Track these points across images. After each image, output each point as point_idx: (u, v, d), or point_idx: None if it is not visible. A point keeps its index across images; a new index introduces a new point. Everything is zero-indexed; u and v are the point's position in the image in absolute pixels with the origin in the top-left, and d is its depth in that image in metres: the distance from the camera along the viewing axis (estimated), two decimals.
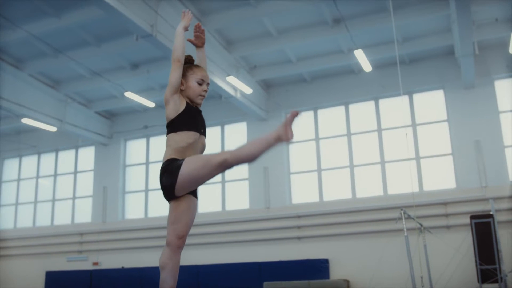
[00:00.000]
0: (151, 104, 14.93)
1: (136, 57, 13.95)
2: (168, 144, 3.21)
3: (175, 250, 3.20)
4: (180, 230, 3.19)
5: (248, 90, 13.68)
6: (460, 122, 13.53)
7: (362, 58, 12.23)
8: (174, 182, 3.04)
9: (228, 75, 12.92)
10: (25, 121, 14.88)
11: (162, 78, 14.89)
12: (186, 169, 3.00)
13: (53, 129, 15.54)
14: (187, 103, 3.27)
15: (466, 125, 13.42)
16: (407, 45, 13.28)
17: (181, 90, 3.29)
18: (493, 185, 12.75)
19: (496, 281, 9.96)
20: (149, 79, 14.67)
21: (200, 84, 3.33)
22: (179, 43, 3.34)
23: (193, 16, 11.75)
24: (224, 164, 2.91)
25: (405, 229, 7.90)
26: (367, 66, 12.73)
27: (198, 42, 3.67)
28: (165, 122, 12.61)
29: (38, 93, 14.94)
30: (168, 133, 3.24)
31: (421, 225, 9.94)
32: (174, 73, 3.25)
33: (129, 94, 14.08)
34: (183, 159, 3.05)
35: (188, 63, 3.45)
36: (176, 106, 3.22)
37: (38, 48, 13.07)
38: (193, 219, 3.28)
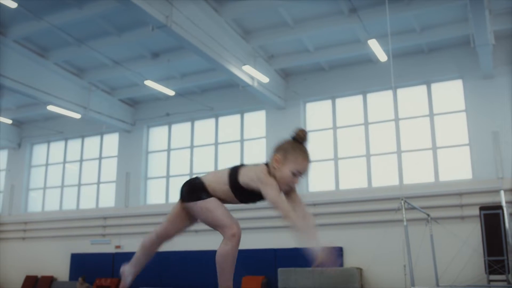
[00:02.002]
0: (171, 92, 15.25)
1: (156, 46, 14.23)
2: (216, 173, 3.10)
3: (159, 241, 3.38)
4: (170, 230, 3.31)
5: (264, 79, 13.84)
6: (478, 113, 13.41)
7: (376, 48, 12.23)
8: (185, 201, 3.08)
9: (244, 65, 13.08)
10: (51, 108, 15.40)
11: (182, 67, 15.22)
12: (201, 207, 2.99)
13: (77, 116, 16.03)
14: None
15: (484, 116, 13.30)
16: (426, 35, 13.22)
17: (274, 168, 2.92)
18: (510, 176, 12.64)
19: (503, 272, 9.96)
20: (169, 68, 14.97)
21: (294, 175, 2.92)
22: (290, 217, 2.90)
23: (211, 7, 12.06)
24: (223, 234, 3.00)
25: (404, 219, 8.00)
26: (382, 56, 12.72)
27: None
28: (186, 110, 12.77)
29: (63, 81, 15.46)
30: (232, 180, 3.01)
31: (428, 215, 9.98)
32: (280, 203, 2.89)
33: (149, 83, 14.42)
34: (209, 196, 3.02)
35: (300, 141, 2.98)
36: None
37: (63, 37, 13.47)
38: (186, 228, 3.36)
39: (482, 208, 11.10)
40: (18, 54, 13.95)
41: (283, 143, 2.97)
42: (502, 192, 10.97)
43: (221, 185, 3.03)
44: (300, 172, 2.93)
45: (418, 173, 13.86)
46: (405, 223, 8.08)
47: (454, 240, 11.91)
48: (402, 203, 8.09)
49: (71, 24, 12.70)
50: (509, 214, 11.45)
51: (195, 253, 15.49)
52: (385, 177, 14.23)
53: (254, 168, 2.99)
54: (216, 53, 12.36)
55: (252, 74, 13.55)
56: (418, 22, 12.82)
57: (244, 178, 2.96)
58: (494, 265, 10.09)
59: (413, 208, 9.00)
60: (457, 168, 13.52)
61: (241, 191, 3.02)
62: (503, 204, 10.73)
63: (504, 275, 10.03)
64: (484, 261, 10.54)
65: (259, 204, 12.14)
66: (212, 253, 12.96)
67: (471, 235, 11.93)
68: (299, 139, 2.96)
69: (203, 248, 15.44)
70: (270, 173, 2.93)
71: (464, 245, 11.77)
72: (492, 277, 10.42)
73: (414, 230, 11.81)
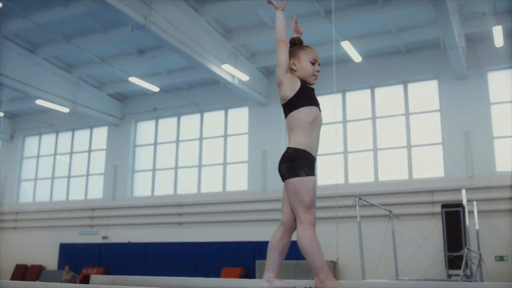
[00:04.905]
0: (155, 89, 15.70)
1: (142, 43, 14.62)
2: (294, 124, 3.13)
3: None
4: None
5: (244, 77, 14.25)
6: (452, 112, 13.83)
7: (350, 49, 12.62)
8: (284, 179, 3.09)
9: (223, 63, 13.49)
10: (39, 102, 15.86)
11: (167, 64, 15.66)
12: (294, 184, 3.01)
13: (66, 110, 16.49)
14: (301, 81, 3.23)
15: (457, 116, 13.71)
16: (401, 36, 13.58)
17: (294, 71, 3.25)
18: (480, 175, 13.08)
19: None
20: (155, 65, 15.41)
21: (313, 64, 3.25)
22: (279, 25, 3.28)
23: (191, 7, 12.47)
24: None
25: (358, 216, 8.43)
26: (356, 57, 13.10)
27: (299, 30, 3.59)
28: (173, 105, 13.36)
29: (53, 76, 15.92)
30: (288, 112, 3.17)
31: (390, 212, 10.42)
32: (281, 53, 3.21)
33: (133, 79, 14.85)
34: (305, 171, 3.01)
35: (298, 44, 3.37)
36: (292, 84, 3.17)
37: (51, 34, 13.87)
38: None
39: (444, 205, 11.54)
40: (8, 50, 14.37)
41: (289, 52, 3.27)
42: (463, 191, 11.38)
43: (304, 115, 3.18)
44: (315, 59, 3.27)
45: (393, 170, 14.30)
46: (358, 219, 8.53)
47: (421, 236, 12.37)
48: (356, 200, 8.53)
49: (57, 21, 13.12)
50: (478, 211, 11.89)
51: (179, 244, 16.03)
52: (361, 174, 14.68)
53: None
54: (196, 52, 12.77)
55: (232, 72, 13.97)
56: (394, 24, 13.19)
57: (286, 91, 3.19)
58: (454, 261, 10.52)
59: (367, 205, 9.43)
60: (430, 166, 13.95)
61: (304, 95, 3.22)
62: (464, 202, 11.15)
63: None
64: (444, 256, 11.00)
65: (239, 197, 12.77)
66: (195, 244, 13.49)
67: (436, 231, 12.38)
68: (298, 43, 3.36)
69: (187, 239, 16.02)
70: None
71: (428, 241, 12.23)
72: (452, 271, 10.87)
73: (384, 225, 12.29)
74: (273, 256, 3.14)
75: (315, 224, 3.01)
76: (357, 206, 8.58)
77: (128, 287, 4.03)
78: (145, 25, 11.17)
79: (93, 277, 5.79)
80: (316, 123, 3.14)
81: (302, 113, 3.12)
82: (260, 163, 15.73)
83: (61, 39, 14.06)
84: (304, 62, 3.26)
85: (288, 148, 3.11)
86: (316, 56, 3.29)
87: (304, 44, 3.40)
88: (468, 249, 9.20)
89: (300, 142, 3.09)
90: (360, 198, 8.65)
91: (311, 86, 3.30)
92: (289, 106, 3.17)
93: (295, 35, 3.50)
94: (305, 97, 3.18)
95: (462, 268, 9.07)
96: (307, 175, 3.02)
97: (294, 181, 3.01)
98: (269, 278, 3.11)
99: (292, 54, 3.28)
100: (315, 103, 3.20)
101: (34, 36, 14.42)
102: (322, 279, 2.92)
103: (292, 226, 3.16)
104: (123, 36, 13.92)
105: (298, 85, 3.20)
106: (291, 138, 3.13)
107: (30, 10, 12.63)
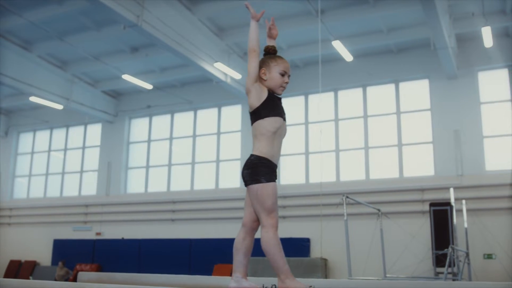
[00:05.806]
0: (148, 86, 15.80)
1: (135, 41, 14.67)
2: (258, 132, 3.25)
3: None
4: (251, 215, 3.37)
5: (237, 75, 14.36)
6: (442, 112, 13.96)
7: (341, 48, 12.74)
8: (246, 184, 3.25)
9: (216, 62, 13.59)
10: (33, 99, 15.96)
11: (161, 61, 15.72)
12: (255, 190, 3.16)
13: (59, 106, 16.58)
14: (268, 91, 3.30)
15: (447, 115, 13.85)
16: (392, 35, 13.69)
17: (264, 80, 3.32)
18: (469, 174, 13.24)
19: (449, 265, 10.53)
20: (148, 62, 15.49)
21: (282, 75, 3.32)
22: (252, 34, 3.37)
23: (184, 6, 12.56)
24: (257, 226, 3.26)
25: (345, 214, 8.55)
26: (347, 56, 13.22)
27: (273, 33, 3.66)
28: (167, 103, 13.58)
29: (47, 73, 15.97)
30: (254, 121, 3.28)
31: (379, 210, 10.56)
32: (252, 63, 3.29)
33: (126, 77, 14.94)
34: (266, 177, 3.16)
35: (271, 53, 3.45)
36: (259, 94, 3.26)
37: (45, 31, 13.93)
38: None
39: (432, 204, 11.71)
40: (3, 47, 14.41)
41: (261, 61, 3.36)
42: (451, 189, 11.54)
43: (268, 125, 3.27)
44: (285, 71, 3.33)
45: (384, 169, 14.44)
46: (345, 217, 8.65)
47: (410, 234, 12.52)
48: (344, 199, 8.66)
49: (51, 19, 13.16)
50: (467, 209, 12.04)
51: (172, 241, 16.16)
52: (352, 172, 14.81)
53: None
54: (188, 51, 12.87)
55: (225, 71, 14.07)
56: (385, 24, 13.30)
57: (253, 100, 3.28)
58: (441, 258, 10.67)
59: (355, 203, 9.57)
60: (421, 164, 14.09)
61: (269, 105, 3.31)
62: (452, 200, 11.31)
63: (450, 268, 10.59)
64: (432, 254, 11.16)
65: (232, 194, 12.86)
66: (187, 241, 13.65)
67: (425, 230, 12.53)
68: (272, 52, 3.44)
69: (180, 236, 16.14)
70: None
71: (417, 239, 12.38)
72: (440, 269, 11.02)
73: (373, 223, 12.43)
74: (238, 257, 3.33)
75: (277, 227, 3.18)
76: (344, 205, 8.70)
77: (114, 285, 4.15)
78: (138, 24, 11.24)
79: (81, 274, 5.91)
80: (278, 133, 3.27)
81: (266, 123, 3.24)
82: None
83: (55, 36, 14.13)
84: (274, 73, 3.33)
85: (251, 155, 3.26)
86: (287, 68, 3.37)
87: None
88: (453, 248, 9.34)
89: (262, 150, 3.23)
90: (347, 197, 8.77)
91: (279, 96, 3.39)
92: (255, 115, 3.29)
93: (268, 41, 3.59)
94: (270, 107, 3.28)
95: (446, 266, 9.21)
96: (267, 181, 3.17)
97: (256, 187, 3.17)
98: (237, 278, 3.27)
99: (264, 63, 3.37)
100: (280, 114, 3.30)
101: (28, 34, 14.47)
102: (282, 278, 3.08)
103: (253, 227, 3.37)
104: (116, 34, 13.96)
105: (265, 95, 3.29)
106: (255, 146, 3.27)
107: (24, 8, 12.69)
